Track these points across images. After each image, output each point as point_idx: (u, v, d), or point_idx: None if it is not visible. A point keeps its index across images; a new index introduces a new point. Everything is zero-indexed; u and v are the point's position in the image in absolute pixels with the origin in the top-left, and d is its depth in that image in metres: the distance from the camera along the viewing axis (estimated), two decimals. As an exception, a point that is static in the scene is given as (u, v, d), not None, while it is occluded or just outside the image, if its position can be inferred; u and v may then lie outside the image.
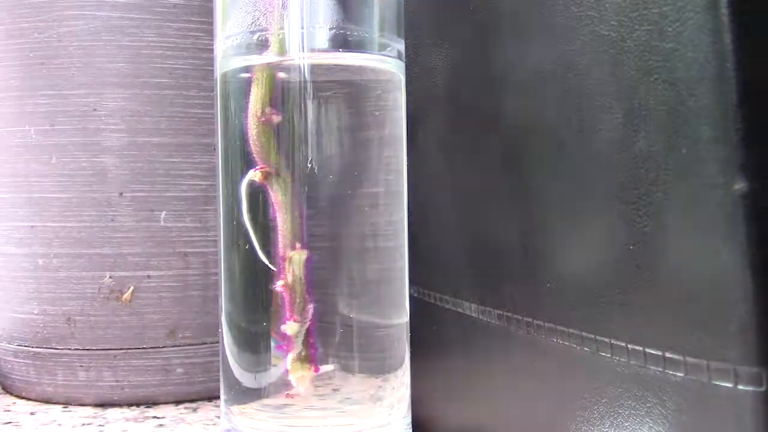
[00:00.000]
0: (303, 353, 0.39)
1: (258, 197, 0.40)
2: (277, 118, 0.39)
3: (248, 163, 0.40)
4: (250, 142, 0.39)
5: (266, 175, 0.39)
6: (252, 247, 0.39)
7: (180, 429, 0.53)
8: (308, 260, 0.39)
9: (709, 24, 0.26)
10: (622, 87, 0.30)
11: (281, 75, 0.40)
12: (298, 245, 0.39)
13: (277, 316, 0.39)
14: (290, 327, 0.39)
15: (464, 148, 0.42)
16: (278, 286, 0.39)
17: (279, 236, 0.39)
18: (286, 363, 0.39)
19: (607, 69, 0.31)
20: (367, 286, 0.41)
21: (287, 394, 0.40)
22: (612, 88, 0.30)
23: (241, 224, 0.40)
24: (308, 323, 0.39)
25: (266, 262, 0.39)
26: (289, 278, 0.39)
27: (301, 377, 0.39)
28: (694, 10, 0.26)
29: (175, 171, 0.58)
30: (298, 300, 0.39)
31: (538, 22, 0.35)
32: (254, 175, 0.39)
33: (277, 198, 0.39)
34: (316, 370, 0.39)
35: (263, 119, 0.39)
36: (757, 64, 0.25)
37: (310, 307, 0.39)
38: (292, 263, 0.39)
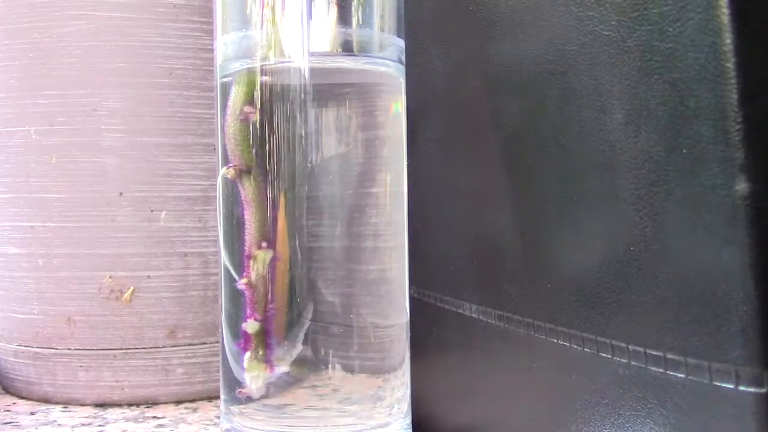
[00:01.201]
0: (260, 353, 0.39)
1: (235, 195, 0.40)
2: (254, 117, 0.39)
3: (226, 161, 0.40)
4: (226, 139, 0.39)
5: (238, 173, 0.39)
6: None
7: (180, 429, 0.53)
8: (273, 260, 0.39)
9: (710, 24, 0.26)
10: (623, 87, 0.30)
11: (270, 77, 0.40)
12: (264, 244, 0.39)
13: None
14: (250, 326, 0.39)
15: (464, 148, 0.42)
16: (241, 283, 0.39)
17: (246, 234, 0.39)
18: (242, 361, 0.39)
19: (607, 69, 0.31)
20: (367, 287, 0.41)
21: (239, 391, 0.40)
22: (612, 89, 0.30)
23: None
24: (268, 323, 0.39)
25: (227, 261, 0.40)
26: (253, 277, 0.39)
27: (255, 376, 0.39)
28: (695, 10, 0.26)
29: (175, 171, 0.58)
30: (259, 299, 0.39)
31: (538, 21, 0.35)
32: (226, 172, 0.39)
33: (247, 196, 0.39)
34: (272, 369, 0.39)
35: (241, 117, 0.39)
36: (758, 64, 0.25)
37: (271, 307, 0.39)
38: (256, 262, 0.39)
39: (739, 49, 0.25)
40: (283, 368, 0.39)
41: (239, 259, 0.40)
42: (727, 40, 0.25)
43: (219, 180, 0.40)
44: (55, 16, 0.58)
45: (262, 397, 0.40)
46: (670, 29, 0.27)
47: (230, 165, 0.39)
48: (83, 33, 0.58)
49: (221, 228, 0.41)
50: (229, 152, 0.40)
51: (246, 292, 0.39)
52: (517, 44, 0.37)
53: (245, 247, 0.39)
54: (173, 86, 0.58)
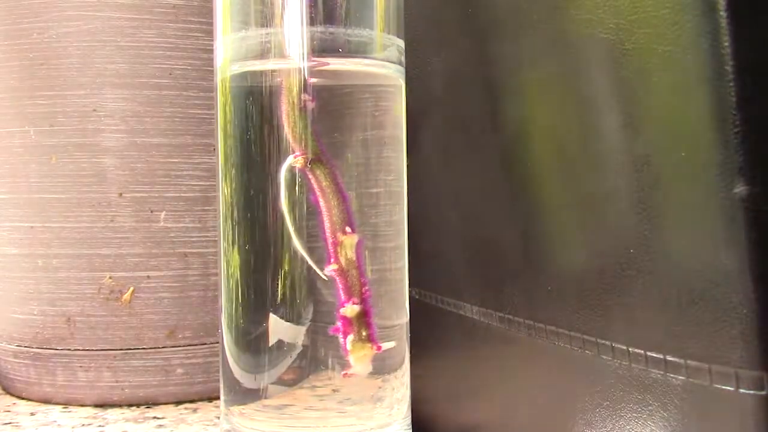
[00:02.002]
0: (364, 333, 0.39)
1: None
2: (312, 104, 0.39)
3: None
4: (287, 129, 0.39)
5: (307, 161, 0.39)
6: (288, 235, 0.40)
7: (180, 429, 0.53)
8: (359, 243, 0.39)
9: (708, 27, 0.26)
10: (622, 90, 0.30)
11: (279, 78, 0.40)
12: (348, 229, 0.39)
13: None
14: (350, 310, 0.39)
15: (464, 150, 0.42)
16: (330, 270, 0.39)
17: (326, 221, 0.39)
18: (345, 344, 0.39)
19: (606, 72, 0.31)
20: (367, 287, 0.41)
21: (345, 373, 0.40)
22: (611, 92, 0.30)
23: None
24: (366, 304, 0.40)
25: (302, 250, 0.39)
26: (343, 262, 0.39)
27: (362, 356, 0.39)
28: (693, 12, 0.26)
29: (175, 171, 0.58)
30: (353, 283, 0.39)
31: (537, 24, 0.35)
32: (295, 161, 0.39)
33: (321, 183, 0.39)
34: (378, 348, 0.40)
35: (300, 106, 0.39)
36: (756, 66, 0.25)
37: (366, 289, 0.39)
38: (344, 247, 0.39)
39: (738, 52, 0.25)
40: (389, 344, 0.40)
41: (320, 247, 0.39)
42: (726, 42, 0.25)
43: (282, 170, 0.40)
44: (54, 16, 0.58)
45: (262, 397, 0.40)
46: (669, 32, 0.27)
47: (297, 154, 0.39)
48: (83, 33, 0.58)
49: (289, 220, 0.40)
50: (291, 142, 0.39)
51: (338, 278, 0.39)
52: (515, 46, 0.37)
53: (327, 235, 0.39)
54: (173, 87, 0.58)
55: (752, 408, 0.25)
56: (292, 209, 0.39)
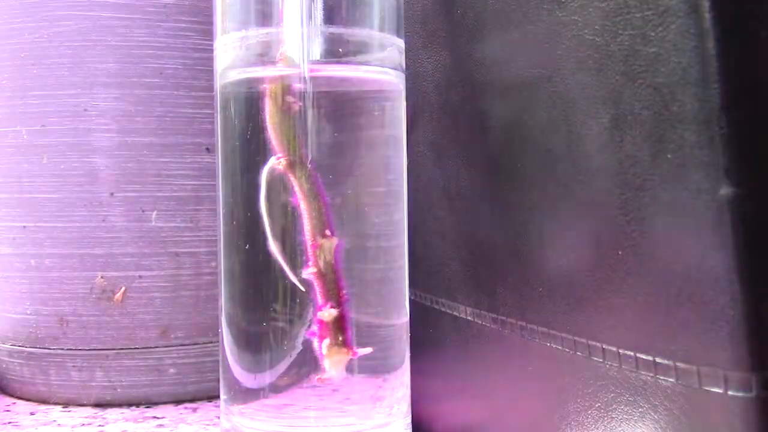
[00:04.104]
0: (340, 338, 0.39)
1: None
2: (296, 107, 0.39)
3: (266, 153, 0.39)
4: (270, 131, 0.39)
5: (289, 164, 0.39)
6: (265, 237, 0.39)
7: (180, 429, 0.53)
8: (338, 247, 0.39)
9: (692, 28, 0.26)
10: (607, 92, 0.30)
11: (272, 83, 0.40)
12: (327, 232, 0.39)
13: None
14: (327, 314, 0.39)
15: (455, 151, 0.42)
16: (308, 273, 0.39)
17: (306, 224, 0.39)
18: (321, 348, 0.39)
19: (592, 74, 0.30)
20: (367, 286, 0.41)
21: (319, 378, 0.39)
22: (597, 93, 0.30)
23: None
24: (343, 308, 0.39)
25: (277, 253, 0.39)
26: (321, 265, 0.39)
27: (337, 361, 0.39)
28: (677, 14, 0.26)
29: (166, 171, 0.58)
30: (330, 287, 0.39)
31: (524, 25, 0.35)
32: (277, 163, 0.39)
33: (302, 186, 0.39)
34: (354, 354, 0.39)
35: (284, 108, 0.39)
36: (741, 68, 0.25)
37: (344, 293, 0.39)
38: (323, 250, 0.39)
39: (722, 53, 0.25)
40: (366, 350, 0.40)
41: (297, 250, 0.39)
42: (710, 44, 0.25)
43: (264, 172, 0.39)
44: (45, 16, 0.58)
45: (263, 397, 0.40)
46: (653, 33, 0.27)
47: (279, 156, 0.39)
48: (74, 33, 0.58)
49: (267, 222, 0.40)
50: (275, 144, 0.39)
51: (316, 281, 0.39)
52: (503, 48, 0.37)
53: (307, 237, 0.39)
54: (164, 86, 0.58)
55: (741, 410, 0.25)
56: (271, 211, 0.39)
